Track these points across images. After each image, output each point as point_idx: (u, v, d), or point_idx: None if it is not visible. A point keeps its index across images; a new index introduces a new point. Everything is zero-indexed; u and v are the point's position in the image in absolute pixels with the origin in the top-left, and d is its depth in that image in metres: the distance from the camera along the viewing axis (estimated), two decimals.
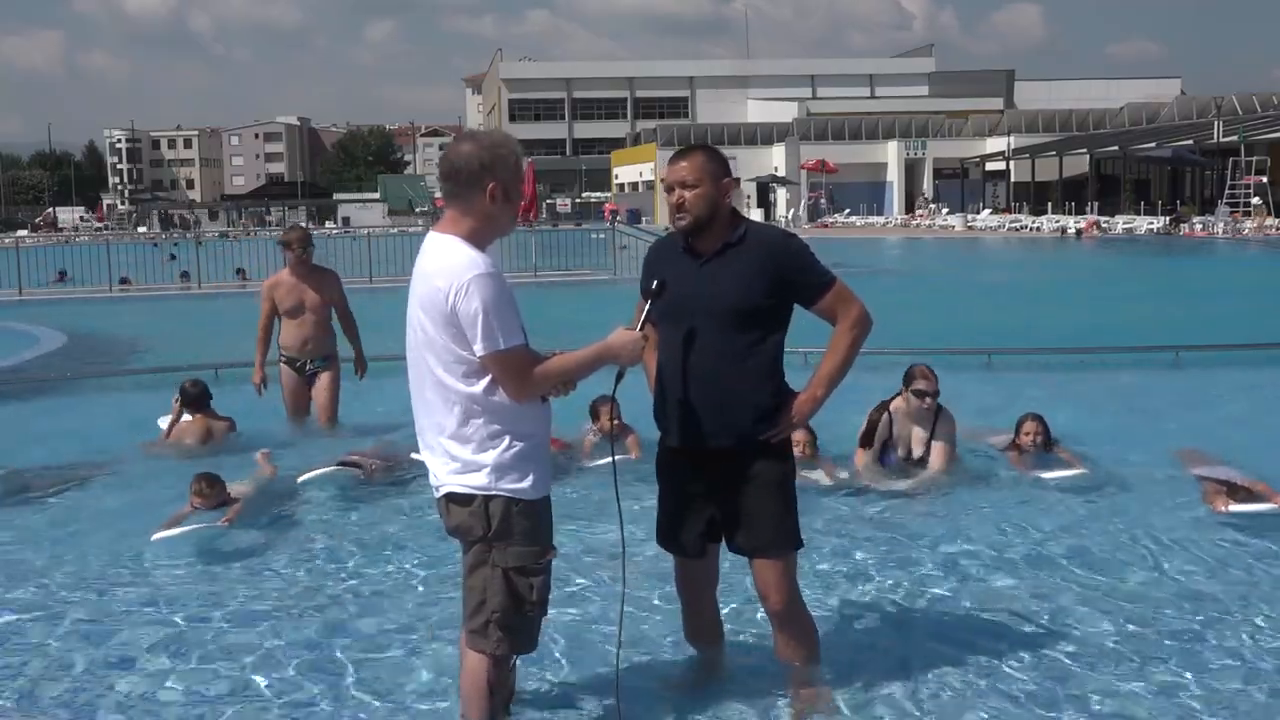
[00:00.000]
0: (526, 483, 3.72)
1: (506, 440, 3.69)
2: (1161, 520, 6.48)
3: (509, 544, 3.73)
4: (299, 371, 9.11)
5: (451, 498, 3.76)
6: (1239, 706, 4.30)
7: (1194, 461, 7.37)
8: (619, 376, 3.97)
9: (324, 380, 9.12)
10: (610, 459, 4.40)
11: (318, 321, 9.03)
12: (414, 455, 7.74)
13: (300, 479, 7.36)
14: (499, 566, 3.74)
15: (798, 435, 7.26)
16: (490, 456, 3.68)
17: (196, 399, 8.77)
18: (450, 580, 5.37)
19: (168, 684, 4.61)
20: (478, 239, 3.70)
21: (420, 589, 5.65)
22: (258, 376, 9.03)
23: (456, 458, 3.71)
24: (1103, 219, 49.07)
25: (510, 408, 3.68)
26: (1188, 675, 4.54)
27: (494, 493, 3.69)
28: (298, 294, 8.97)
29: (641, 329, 3.91)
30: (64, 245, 33.43)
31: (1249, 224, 42.04)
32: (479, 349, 3.59)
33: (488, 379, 3.65)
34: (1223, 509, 6.20)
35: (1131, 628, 5.00)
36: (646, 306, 3.99)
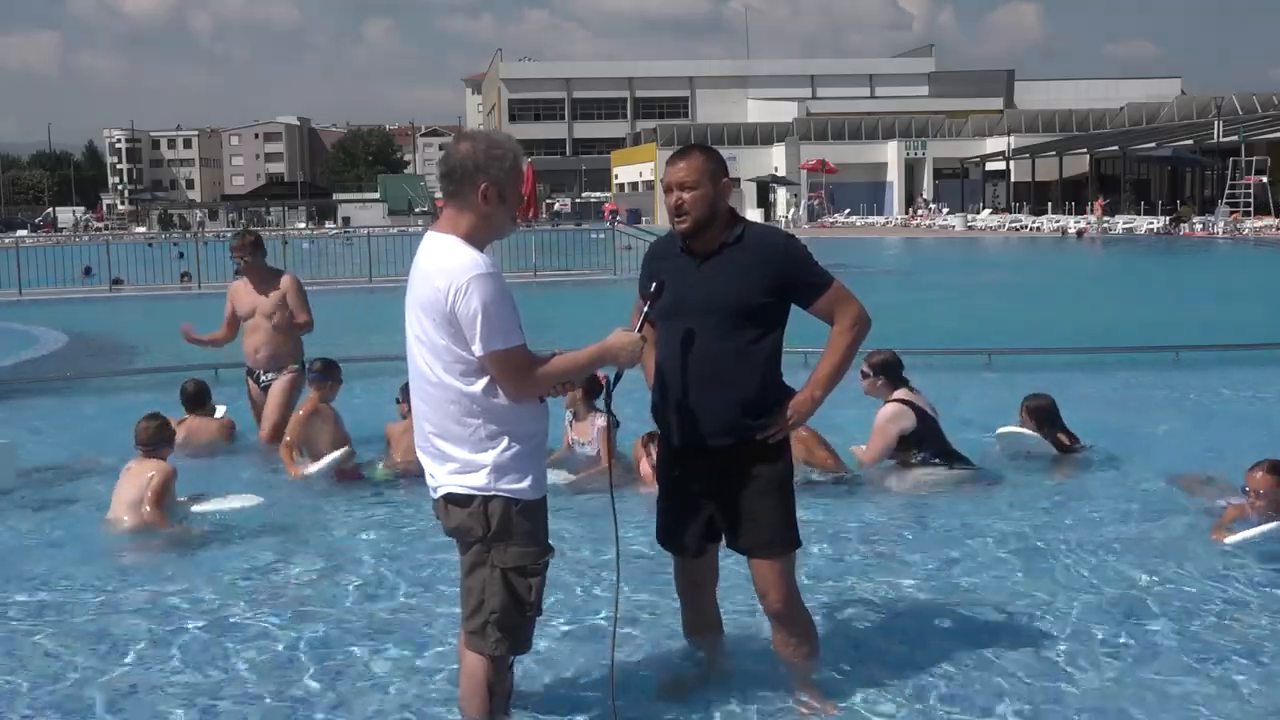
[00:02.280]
0: (526, 483, 3.72)
1: (505, 440, 3.68)
2: (1158, 524, 6.48)
3: (509, 544, 3.72)
4: (255, 382, 8.73)
5: (450, 499, 3.75)
6: (1234, 705, 4.30)
7: (1194, 487, 7.19)
8: (617, 377, 3.96)
9: (272, 389, 8.52)
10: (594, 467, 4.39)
11: (268, 329, 8.49)
12: (363, 467, 7.65)
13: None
14: (498, 567, 3.73)
15: (803, 431, 7.27)
16: (489, 457, 3.67)
17: (192, 398, 8.79)
18: (435, 582, 5.40)
19: (156, 686, 4.59)
20: (476, 239, 3.69)
21: (414, 592, 5.63)
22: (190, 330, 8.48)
23: (455, 458, 3.71)
24: (1104, 218, 49.06)
25: (509, 408, 3.67)
26: (1183, 677, 4.54)
27: (493, 493, 3.68)
28: (249, 300, 8.57)
29: (640, 330, 3.91)
30: (60, 245, 33.35)
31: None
32: (478, 349, 3.58)
33: (487, 379, 3.64)
34: (1224, 538, 6.10)
35: (1129, 631, 5.00)
36: (645, 308, 4.00)
